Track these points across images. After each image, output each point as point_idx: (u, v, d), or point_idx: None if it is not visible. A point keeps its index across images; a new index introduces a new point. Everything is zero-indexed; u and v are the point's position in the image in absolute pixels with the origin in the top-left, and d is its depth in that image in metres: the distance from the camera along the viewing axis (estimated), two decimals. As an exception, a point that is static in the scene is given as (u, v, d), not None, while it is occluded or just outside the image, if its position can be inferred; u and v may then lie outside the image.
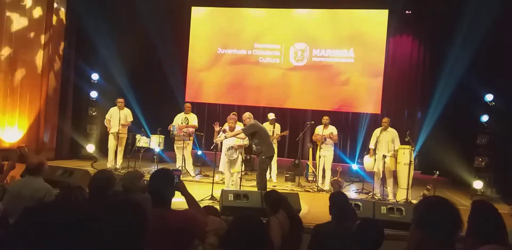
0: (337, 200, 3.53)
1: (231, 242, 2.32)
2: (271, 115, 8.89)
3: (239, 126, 7.19)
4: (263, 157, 6.72)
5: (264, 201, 4.29)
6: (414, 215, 1.95)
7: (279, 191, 4.58)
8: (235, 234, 2.37)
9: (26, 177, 3.77)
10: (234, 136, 6.79)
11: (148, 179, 2.86)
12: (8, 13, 8.97)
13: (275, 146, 8.22)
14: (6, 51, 9.00)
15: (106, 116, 8.87)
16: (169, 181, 2.77)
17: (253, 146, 6.80)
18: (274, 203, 4.02)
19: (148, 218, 1.85)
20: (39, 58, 9.68)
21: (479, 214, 2.62)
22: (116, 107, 8.78)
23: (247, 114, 6.91)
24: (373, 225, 2.73)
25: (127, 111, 8.88)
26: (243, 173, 7.73)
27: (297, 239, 3.84)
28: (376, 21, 10.69)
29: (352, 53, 10.79)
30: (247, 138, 6.89)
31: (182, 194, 2.93)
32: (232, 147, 6.94)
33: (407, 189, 7.16)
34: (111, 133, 8.73)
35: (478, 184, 7.99)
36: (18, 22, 9.18)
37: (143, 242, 1.70)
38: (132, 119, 8.94)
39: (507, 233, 2.58)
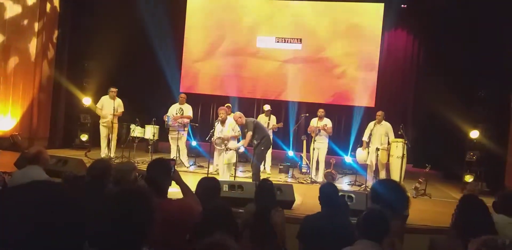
0: (326, 191, 3.53)
1: (204, 231, 2.32)
2: (267, 107, 8.93)
3: (230, 118, 7.25)
4: (262, 148, 6.82)
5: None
6: (371, 192, 2.26)
7: (273, 182, 4.53)
8: (207, 224, 2.38)
9: (26, 167, 3.73)
10: (249, 140, 6.87)
11: (145, 168, 2.89)
12: (1, 0, 8.86)
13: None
14: (-1, 38, 8.91)
15: (97, 105, 8.81)
16: (166, 171, 2.81)
17: (254, 141, 6.86)
18: (256, 193, 3.89)
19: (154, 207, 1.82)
20: (33, 46, 9.56)
21: (467, 208, 2.66)
22: (107, 96, 8.71)
23: (237, 114, 6.98)
24: (381, 215, 2.76)
25: (119, 101, 8.82)
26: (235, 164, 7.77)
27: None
28: (372, 14, 10.69)
29: (348, 46, 10.80)
30: (238, 129, 7.00)
31: (177, 183, 2.97)
32: (220, 137, 7.03)
33: (400, 181, 7.25)
34: (102, 123, 8.69)
35: (469, 178, 8.10)
36: (11, 9, 9.07)
37: (149, 232, 1.68)
38: (123, 110, 8.89)
39: (495, 229, 2.61)
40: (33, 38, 9.55)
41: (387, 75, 10.89)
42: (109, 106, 8.57)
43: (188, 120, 8.70)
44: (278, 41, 11.08)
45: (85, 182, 3.15)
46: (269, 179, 7.24)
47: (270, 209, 3.70)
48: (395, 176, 7.39)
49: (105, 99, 8.73)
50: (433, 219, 5.32)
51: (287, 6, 11.14)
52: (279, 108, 10.83)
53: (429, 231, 4.90)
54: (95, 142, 9.59)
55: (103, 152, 8.68)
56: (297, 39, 11.01)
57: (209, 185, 3.35)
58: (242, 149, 7.08)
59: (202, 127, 10.40)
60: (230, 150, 6.93)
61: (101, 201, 1.72)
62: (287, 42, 11.04)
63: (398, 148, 7.39)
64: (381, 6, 10.58)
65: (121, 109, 8.83)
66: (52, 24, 9.94)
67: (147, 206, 1.70)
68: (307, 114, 8.84)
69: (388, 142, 7.65)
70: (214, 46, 11.44)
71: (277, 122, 8.97)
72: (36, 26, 9.57)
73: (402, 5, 10.62)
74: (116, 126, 8.73)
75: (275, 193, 4.02)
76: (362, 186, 7.55)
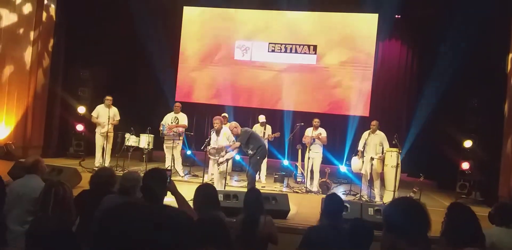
0: (333, 202, 3.51)
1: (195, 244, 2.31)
2: (262, 118, 8.94)
3: (226, 127, 7.27)
4: (258, 158, 6.83)
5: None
6: (384, 219, 1.92)
7: (268, 191, 4.52)
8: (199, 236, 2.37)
9: (25, 177, 3.71)
10: (235, 148, 6.95)
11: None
12: (-3, 9, 8.88)
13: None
14: (-5, 47, 8.91)
15: (92, 114, 8.76)
16: (162, 181, 2.81)
17: (249, 151, 6.87)
18: (244, 203, 3.87)
19: None
20: (28, 54, 9.57)
21: (455, 216, 2.68)
22: (103, 105, 8.68)
23: (233, 124, 7.02)
24: (363, 225, 2.76)
25: (115, 110, 8.78)
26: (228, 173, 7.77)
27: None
28: (366, 24, 10.81)
29: (343, 56, 10.90)
30: (233, 139, 7.03)
31: (173, 193, 2.97)
32: (214, 148, 7.06)
33: (394, 191, 7.27)
34: (99, 132, 8.63)
35: (462, 187, 8.14)
36: (7, 18, 9.09)
37: None
38: (119, 118, 8.86)
39: (483, 236, 2.64)
40: (28, 47, 9.56)
41: (381, 85, 10.97)
42: (105, 115, 8.54)
43: (183, 129, 8.70)
44: (273, 51, 11.16)
45: (68, 188, 3.13)
46: (264, 188, 7.31)
47: (258, 217, 3.66)
48: (390, 185, 7.41)
49: (100, 108, 8.69)
50: (428, 229, 5.31)
51: (283, 16, 11.24)
52: (275, 117, 10.86)
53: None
54: (89, 151, 9.55)
55: (98, 161, 8.63)
56: (292, 49, 11.09)
57: (208, 192, 3.37)
58: (232, 153, 7.09)
59: (197, 136, 10.40)
60: (222, 164, 6.94)
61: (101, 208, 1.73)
62: (282, 52, 11.12)
63: (393, 157, 7.42)
64: (375, 17, 10.71)
65: (117, 117, 8.80)
66: (48, 33, 9.97)
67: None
68: (302, 124, 8.86)
69: (383, 151, 7.68)
70: (209, 56, 11.50)
71: (273, 132, 8.99)
72: (32, 35, 9.59)
73: (396, 16, 10.75)
74: (111, 135, 8.70)
75: (262, 201, 3.98)
76: (356, 196, 7.56)
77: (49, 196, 2.91)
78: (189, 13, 11.62)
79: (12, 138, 9.24)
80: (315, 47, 11.02)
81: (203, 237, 2.22)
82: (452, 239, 2.51)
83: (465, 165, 8.25)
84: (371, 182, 7.65)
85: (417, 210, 1.85)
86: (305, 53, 11.04)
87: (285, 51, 11.11)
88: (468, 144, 8.30)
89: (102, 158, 8.65)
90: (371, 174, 7.55)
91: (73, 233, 2.38)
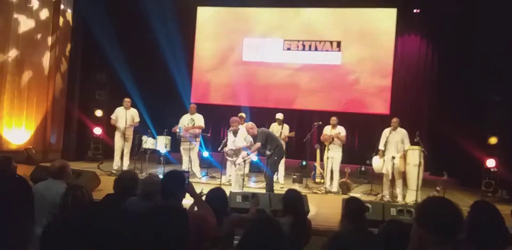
0: (355, 207, 3.41)
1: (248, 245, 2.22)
2: (279, 116, 8.85)
3: (243, 127, 7.21)
4: (275, 158, 6.75)
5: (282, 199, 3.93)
6: (417, 214, 2.02)
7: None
8: (253, 239, 2.28)
9: (49, 180, 3.65)
10: (256, 150, 6.86)
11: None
12: (15, 15, 9.00)
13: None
14: (13, 53, 9.02)
15: (111, 116, 8.80)
16: (181, 183, 2.80)
17: (267, 151, 6.80)
18: (287, 204, 3.78)
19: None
20: (46, 59, 9.70)
21: (479, 215, 2.58)
22: (122, 107, 8.71)
23: (249, 125, 6.96)
24: (400, 226, 2.68)
25: (133, 111, 8.80)
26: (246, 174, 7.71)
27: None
28: (385, 20, 10.62)
29: (361, 52, 10.71)
30: (250, 139, 6.96)
31: (191, 195, 2.96)
32: (232, 149, 7.00)
33: (417, 190, 7.08)
34: (118, 134, 8.67)
35: (488, 185, 7.91)
36: (25, 24, 9.20)
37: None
38: (139, 120, 8.87)
39: (509, 233, 2.53)
40: (46, 52, 9.69)
41: (401, 81, 10.76)
42: (124, 117, 8.56)
43: (200, 130, 8.66)
44: (289, 49, 11.05)
45: (87, 191, 3.12)
46: (282, 189, 7.22)
47: (306, 218, 3.70)
48: (412, 184, 7.22)
49: (119, 110, 8.72)
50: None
51: (298, 13, 11.13)
52: (292, 117, 10.74)
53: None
54: (107, 154, 9.61)
55: (116, 164, 8.66)
56: (312, 46, 10.95)
57: (218, 196, 3.33)
58: (251, 156, 7.02)
59: (213, 137, 10.37)
60: (239, 165, 6.88)
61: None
62: (300, 49, 11.00)
63: (415, 156, 7.22)
64: (393, 12, 10.51)
65: (137, 119, 8.80)
66: (65, 38, 10.09)
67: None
68: (320, 123, 8.70)
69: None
70: (224, 56, 11.47)
71: (290, 131, 8.89)
72: (49, 40, 9.72)
73: (415, 10, 10.56)
74: (130, 137, 8.71)
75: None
76: (378, 196, 7.40)
77: (67, 200, 2.92)
78: (203, 13, 11.62)
79: (32, 142, 9.36)
80: (339, 43, 10.82)
81: (255, 237, 2.15)
82: (476, 240, 2.40)
83: (491, 162, 8.02)
84: (392, 182, 7.48)
85: (450, 209, 1.90)
86: (327, 50, 10.86)
87: (303, 49, 10.97)
88: (493, 140, 8.07)
89: (120, 161, 8.68)
90: (392, 173, 7.38)
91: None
